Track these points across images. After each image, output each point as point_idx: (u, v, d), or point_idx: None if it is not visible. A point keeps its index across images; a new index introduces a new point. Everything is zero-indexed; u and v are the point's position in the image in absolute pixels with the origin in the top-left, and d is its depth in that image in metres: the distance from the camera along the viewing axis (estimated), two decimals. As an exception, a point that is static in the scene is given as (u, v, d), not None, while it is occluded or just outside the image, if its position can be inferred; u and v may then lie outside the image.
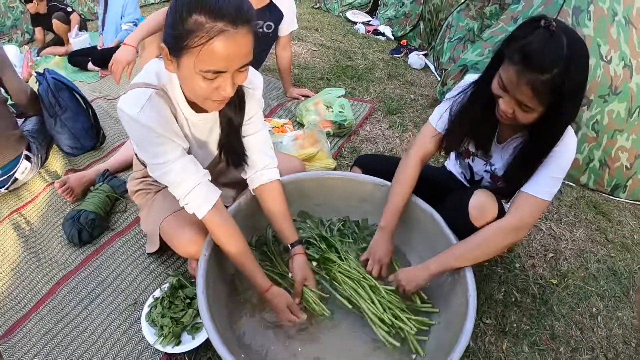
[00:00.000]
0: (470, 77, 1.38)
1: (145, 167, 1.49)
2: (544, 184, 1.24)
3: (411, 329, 1.28)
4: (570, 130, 1.23)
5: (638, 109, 2.48)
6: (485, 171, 1.47)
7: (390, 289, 1.38)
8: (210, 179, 1.29)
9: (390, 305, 1.34)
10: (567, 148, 1.21)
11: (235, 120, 1.30)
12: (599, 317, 1.72)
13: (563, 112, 1.12)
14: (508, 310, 1.66)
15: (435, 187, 1.58)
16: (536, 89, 1.05)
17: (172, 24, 1.00)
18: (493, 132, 1.36)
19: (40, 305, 1.55)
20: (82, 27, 4.61)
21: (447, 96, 1.45)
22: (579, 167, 2.54)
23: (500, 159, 1.39)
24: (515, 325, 1.61)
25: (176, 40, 1.00)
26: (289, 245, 1.43)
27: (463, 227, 1.34)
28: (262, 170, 1.43)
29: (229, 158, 1.39)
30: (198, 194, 1.23)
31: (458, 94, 1.38)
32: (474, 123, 1.33)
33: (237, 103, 1.27)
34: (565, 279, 1.86)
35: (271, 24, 2.66)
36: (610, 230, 2.25)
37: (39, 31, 4.78)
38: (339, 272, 1.44)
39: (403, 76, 3.87)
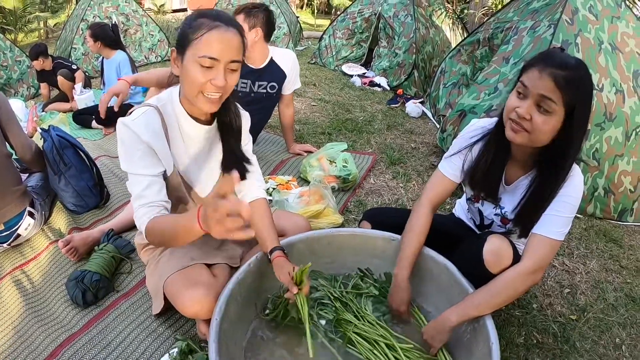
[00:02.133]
0: (477, 122, 1.44)
1: None
2: (556, 224, 1.25)
3: None
4: (576, 169, 1.26)
5: (634, 132, 2.55)
6: (496, 214, 1.47)
7: (408, 346, 1.34)
8: (168, 207, 1.33)
9: None
10: (575, 187, 1.25)
11: (234, 127, 1.45)
12: (623, 347, 1.71)
13: (579, 125, 1.17)
14: (530, 353, 1.63)
15: (445, 235, 1.58)
16: (558, 81, 1.11)
17: (183, 26, 1.25)
18: (501, 173, 1.38)
19: (42, 370, 1.48)
20: (87, 84, 4.73)
21: (453, 143, 1.49)
22: (585, 198, 2.56)
23: (509, 202, 1.40)
24: None
25: (183, 37, 1.24)
26: (268, 253, 1.43)
27: (478, 274, 1.32)
28: (249, 191, 1.55)
29: (232, 164, 1.48)
30: (148, 210, 1.27)
31: (478, 138, 1.41)
32: (485, 171, 1.37)
33: (233, 112, 1.43)
34: (585, 313, 1.85)
35: (275, 84, 2.73)
36: (623, 256, 2.26)
37: (44, 87, 4.92)
38: (355, 332, 1.39)
39: (402, 125, 3.96)
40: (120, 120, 1.30)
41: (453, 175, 1.47)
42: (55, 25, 11.05)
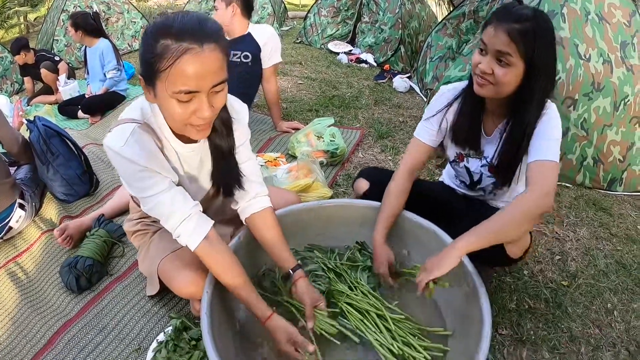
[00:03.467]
0: (445, 87, 1.49)
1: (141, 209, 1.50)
2: (547, 148, 1.27)
3: (424, 358, 1.24)
4: (551, 105, 1.31)
5: (622, 102, 2.55)
6: (482, 166, 1.51)
7: (399, 317, 1.37)
8: (201, 209, 1.28)
9: (401, 332, 1.32)
10: (551, 119, 1.29)
11: (224, 147, 1.30)
12: (615, 312, 1.73)
13: (539, 76, 1.22)
14: (523, 318, 1.66)
15: (436, 202, 1.62)
16: (512, 36, 1.17)
17: (144, 52, 1.04)
18: (479, 124, 1.44)
19: (40, 356, 1.50)
20: (71, 75, 4.68)
21: (426, 110, 1.53)
22: (573, 167, 2.59)
23: (491, 150, 1.44)
24: (532, 332, 1.60)
25: (148, 67, 1.03)
26: (290, 271, 1.38)
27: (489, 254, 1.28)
28: (253, 199, 1.42)
29: (223, 187, 1.38)
30: (188, 225, 1.22)
31: (451, 100, 1.47)
32: (462, 117, 1.43)
33: (224, 130, 1.27)
34: (576, 279, 1.88)
35: (248, 54, 2.79)
36: (613, 224, 2.28)
37: (27, 81, 4.86)
38: (346, 303, 1.42)
39: (389, 100, 3.96)
40: (108, 146, 1.15)
41: (429, 140, 1.53)
42: (35, 19, 10.87)
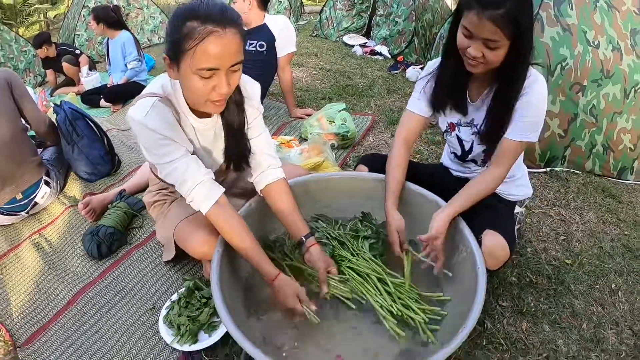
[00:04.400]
0: (431, 62, 1.54)
1: (160, 180, 1.61)
2: (523, 128, 1.36)
3: (422, 319, 1.30)
4: (538, 76, 1.35)
5: (633, 90, 2.53)
6: (473, 134, 1.54)
7: (400, 281, 1.42)
8: (213, 177, 1.36)
9: (401, 296, 1.37)
10: (537, 94, 1.34)
11: (236, 124, 1.40)
12: (620, 293, 1.72)
13: (525, 43, 1.25)
14: (524, 292, 1.68)
15: (431, 185, 1.64)
16: (497, 22, 1.18)
17: (171, 33, 1.15)
18: (464, 91, 1.48)
19: (60, 315, 1.62)
20: (92, 67, 4.84)
21: (418, 83, 1.59)
22: (582, 154, 2.57)
23: (479, 117, 1.48)
24: (532, 305, 1.62)
25: (174, 47, 1.14)
26: (303, 238, 1.44)
27: None
28: (266, 170, 1.50)
29: (233, 161, 1.47)
30: (200, 190, 1.31)
31: (432, 71, 1.53)
32: (447, 84, 1.47)
33: (235, 108, 1.37)
34: (580, 259, 1.87)
35: (263, 43, 2.91)
36: (622, 210, 2.26)
37: (50, 73, 5.05)
38: (348, 267, 1.48)
39: (402, 90, 4.01)
40: (131, 117, 1.26)
41: (420, 110, 1.57)
42: (55, 16, 11.09)
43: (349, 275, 1.46)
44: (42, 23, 10.36)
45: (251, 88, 1.45)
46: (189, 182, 1.30)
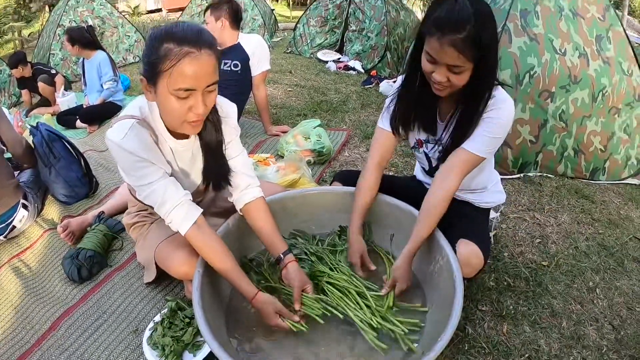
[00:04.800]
0: (399, 78, 1.56)
1: (139, 201, 1.61)
2: (481, 142, 1.37)
3: (402, 331, 1.31)
4: (504, 95, 1.37)
5: (601, 93, 2.64)
6: (439, 151, 1.56)
7: (378, 294, 1.44)
8: (191, 199, 1.39)
9: (379, 308, 1.39)
10: (502, 111, 1.35)
11: (214, 144, 1.43)
12: (597, 290, 1.77)
13: (488, 63, 1.26)
14: (503, 296, 1.72)
15: (406, 198, 1.67)
16: (458, 47, 1.18)
17: (148, 54, 1.18)
18: (434, 111, 1.50)
19: (42, 340, 1.60)
20: (67, 87, 4.81)
21: (387, 98, 1.60)
22: (554, 158, 2.67)
23: (446, 135, 1.50)
24: (512, 308, 1.66)
25: (151, 68, 1.17)
26: (281, 255, 1.47)
27: None
28: (245, 190, 1.53)
29: (212, 181, 1.50)
30: (179, 212, 1.33)
31: (396, 89, 1.55)
32: (415, 105, 1.48)
33: (213, 127, 1.40)
34: (556, 260, 1.92)
35: (238, 63, 2.98)
36: (595, 210, 2.33)
37: (25, 93, 4.99)
38: (327, 282, 1.50)
39: (376, 104, 4.11)
40: (109, 139, 1.28)
41: (390, 126, 1.57)
42: (29, 34, 10.97)
43: (328, 290, 1.47)
44: (17, 41, 10.21)
45: (227, 108, 1.49)
46: (168, 203, 1.33)
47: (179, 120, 1.23)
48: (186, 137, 1.41)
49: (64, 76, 5.09)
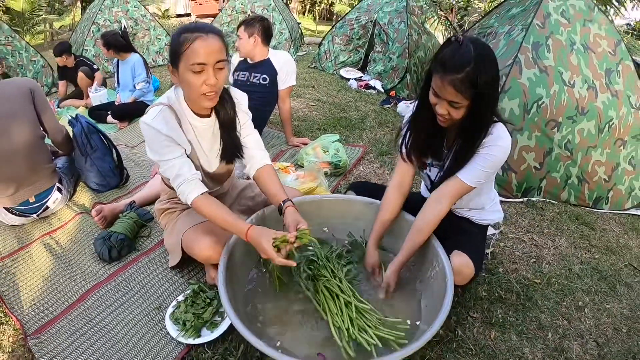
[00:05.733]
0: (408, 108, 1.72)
1: (170, 188, 1.82)
2: (474, 174, 1.52)
3: (375, 344, 1.38)
4: (503, 132, 1.50)
5: (607, 125, 2.74)
6: (440, 176, 1.69)
7: (364, 307, 1.51)
8: (200, 178, 1.62)
9: (359, 322, 1.46)
10: (499, 148, 1.48)
11: (229, 121, 1.70)
12: (586, 309, 1.85)
13: (484, 102, 1.39)
14: (494, 306, 1.83)
15: (414, 209, 1.77)
16: (457, 86, 1.34)
17: (171, 45, 1.50)
18: (442, 141, 1.64)
19: (70, 309, 1.76)
20: (102, 84, 5.02)
21: (404, 123, 1.75)
22: (557, 185, 2.76)
23: (447, 162, 1.64)
24: (501, 317, 1.77)
25: (174, 54, 1.48)
26: (281, 203, 1.68)
27: None
28: (254, 159, 1.80)
29: (227, 154, 1.75)
30: (189, 185, 1.58)
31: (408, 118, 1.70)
32: (423, 134, 1.62)
33: (228, 109, 1.68)
34: (549, 279, 2.02)
35: (266, 77, 3.19)
36: (594, 237, 2.41)
37: (62, 84, 5.21)
38: (324, 285, 1.60)
39: (393, 123, 4.25)
40: (141, 120, 1.56)
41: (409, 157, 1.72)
42: (60, 27, 11.23)
43: (321, 291, 1.57)
44: (48, 33, 10.50)
45: (239, 96, 1.77)
46: (181, 177, 1.58)
47: (196, 93, 1.49)
48: (207, 116, 1.67)
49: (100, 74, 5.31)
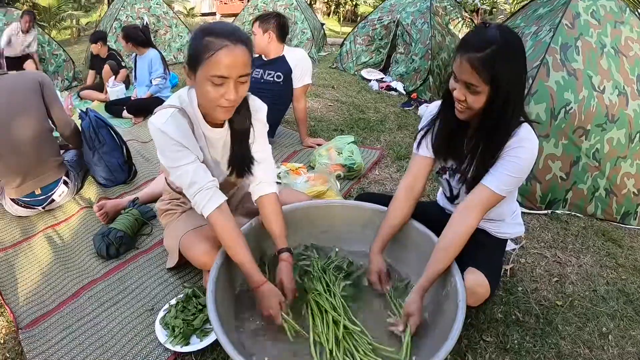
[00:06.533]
0: (435, 103, 1.58)
1: (173, 190, 1.75)
2: (501, 180, 1.37)
3: None
4: (529, 133, 1.36)
5: (639, 134, 2.57)
6: (461, 181, 1.57)
7: (355, 328, 1.41)
8: (217, 185, 1.49)
9: (347, 344, 1.36)
10: (525, 150, 1.34)
11: (242, 132, 1.55)
12: (610, 336, 1.71)
13: (503, 93, 1.26)
14: (510, 329, 1.69)
15: (428, 222, 1.67)
16: (474, 65, 1.22)
17: (191, 46, 1.34)
18: (462, 141, 1.51)
19: (64, 305, 1.73)
20: (125, 81, 5.04)
21: (420, 123, 1.63)
22: (584, 197, 2.59)
23: (469, 167, 1.49)
24: (517, 343, 1.63)
25: (193, 57, 1.32)
26: (276, 253, 1.56)
27: None
28: (261, 183, 1.63)
29: (236, 168, 1.61)
30: (205, 194, 1.44)
31: (429, 115, 1.57)
32: (446, 130, 1.49)
33: (244, 118, 1.53)
34: (571, 301, 1.87)
35: (281, 74, 3.10)
36: (621, 255, 2.25)
37: (91, 74, 5.32)
38: (314, 300, 1.51)
39: (413, 126, 4.12)
40: (151, 123, 1.42)
41: (426, 150, 1.59)
42: (87, 24, 11.41)
43: (311, 306, 1.48)
44: (74, 29, 10.69)
45: (257, 105, 1.62)
46: (196, 185, 1.44)
47: (213, 104, 1.36)
48: (220, 126, 1.54)
49: (128, 75, 5.31)
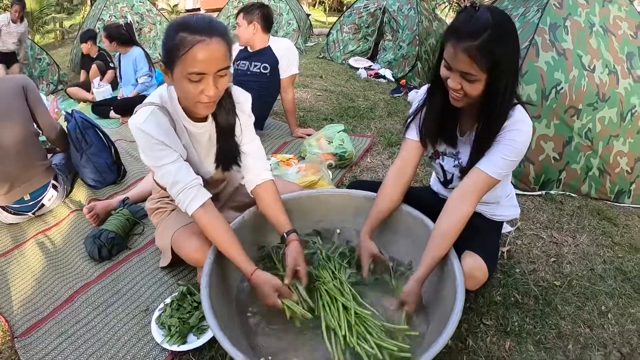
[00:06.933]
0: (422, 88, 1.55)
1: (161, 188, 1.70)
2: (497, 164, 1.35)
3: (375, 354, 1.25)
4: (524, 116, 1.34)
5: (630, 113, 2.56)
6: (454, 166, 1.56)
7: (366, 313, 1.38)
8: (201, 183, 1.46)
9: (360, 328, 1.34)
10: (520, 133, 1.32)
11: (227, 125, 1.51)
12: (609, 315, 1.70)
13: (502, 79, 1.23)
14: (509, 311, 1.68)
15: (421, 207, 1.65)
16: (472, 54, 1.17)
17: (165, 42, 1.29)
18: (454, 125, 1.48)
19: (58, 310, 1.71)
20: (112, 84, 4.97)
21: (410, 109, 1.60)
22: (578, 177, 2.59)
23: (465, 151, 1.48)
24: (517, 325, 1.62)
25: (169, 55, 1.27)
26: (284, 234, 1.52)
27: None
28: (256, 173, 1.61)
29: (223, 162, 1.58)
30: (189, 193, 1.41)
31: (420, 99, 1.54)
32: (438, 115, 1.45)
33: (227, 111, 1.49)
34: (570, 281, 1.87)
35: (267, 65, 3.07)
36: (617, 233, 2.25)
37: (83, 73, 5.27)
38: (323, 286, 1.48)
39: (403, 112, 4.10)
40: (131, 123, 1.39)
41: (416, 135, 1.56)
42: (70, 26, 11.28)
43: (321, 293, 1.46)
44: (58, 32, 10.54)
45: (241, 96, 1.58)
46: (179, 184, 1.41)
47: (192, 101, 1.32)
48: (204, 120, 1.51)
49: (115, 75, 5.26)
